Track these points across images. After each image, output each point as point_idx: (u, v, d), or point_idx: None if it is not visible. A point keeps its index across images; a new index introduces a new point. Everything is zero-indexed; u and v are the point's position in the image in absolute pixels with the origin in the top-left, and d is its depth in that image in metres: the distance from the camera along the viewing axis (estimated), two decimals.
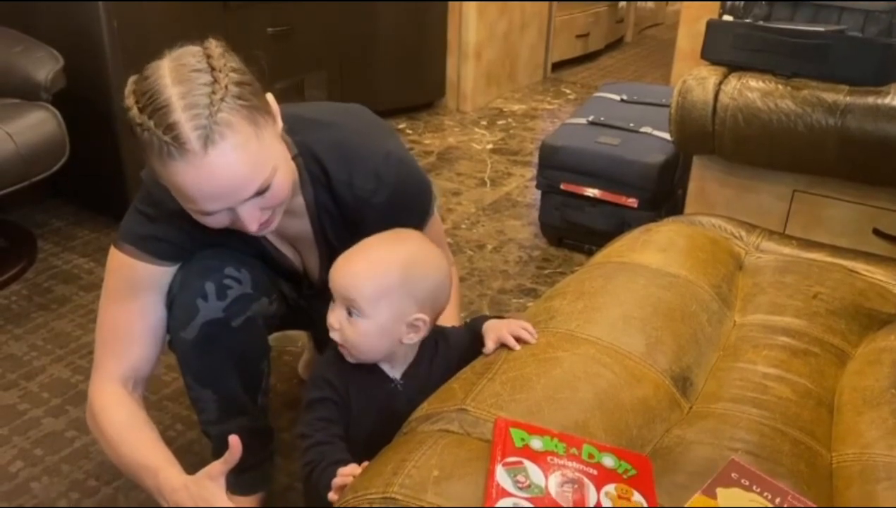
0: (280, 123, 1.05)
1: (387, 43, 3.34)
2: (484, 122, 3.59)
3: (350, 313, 1.00)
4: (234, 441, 1.01)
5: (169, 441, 1.59)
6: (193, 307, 1.15)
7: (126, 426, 1.16)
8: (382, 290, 0.99)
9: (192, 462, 1.55)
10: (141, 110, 0.93)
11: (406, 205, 1.17)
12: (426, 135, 3.41)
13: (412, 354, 1.08)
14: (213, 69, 0.94)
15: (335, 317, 1.01)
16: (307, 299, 1.36)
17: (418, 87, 3.61)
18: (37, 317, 2.01)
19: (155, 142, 0.93)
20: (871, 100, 1.69)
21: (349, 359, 1.04)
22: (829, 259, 1.38)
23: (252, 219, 1.02)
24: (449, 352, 1.10)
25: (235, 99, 0.94)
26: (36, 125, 2.02)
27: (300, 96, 2.95)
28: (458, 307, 1.37)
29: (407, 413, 0.97)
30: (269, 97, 1.04)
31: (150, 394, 1.69)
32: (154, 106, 0.92)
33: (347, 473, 0.91)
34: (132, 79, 0.98)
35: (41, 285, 2.15)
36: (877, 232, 1.83)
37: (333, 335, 1.02)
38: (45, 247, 2.35)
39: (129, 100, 0.95)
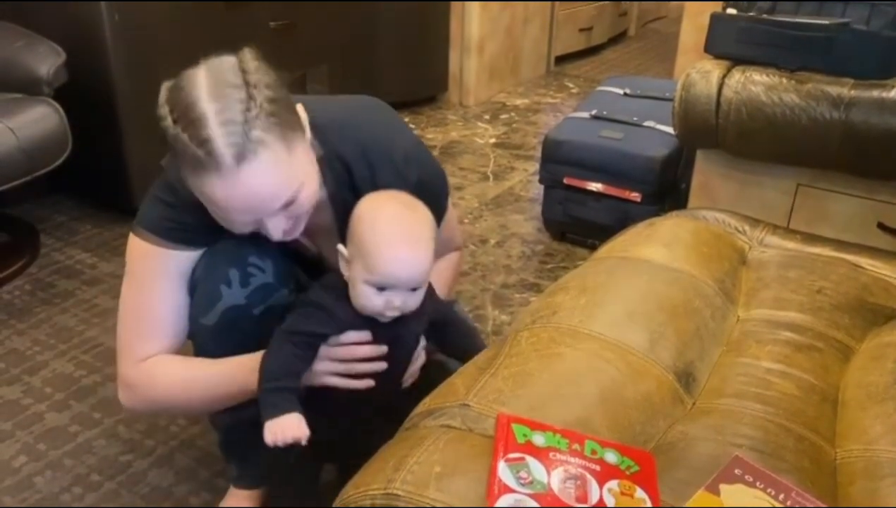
0: (308, 134, 1.07)
1: (389, 37, 3.33)
2: (487, 117, 3.58)
3: (413, 289, 1.08)
4: None
5: (172, 436, 1.60)
6: (217, 292, 1.15)
7: (198, 364, 1.19)
8: (430, 262, 1.09)
9: (195, 455, 1.55)
10: (175, 122, 0.96)
11: (427, 199, 1.20)
12: (429, 130, 3.40)
13: None
14: (248, 84, 0.96)
15: (401, 300, 1.07)
16: None
17: (421, 82, 3.60)
18: (39, 312, 2.01)
19: (188, 154, 0.95)
20: (875, 93, 1.68)
21: (387, 319, 1.10)
22: (833, 253, 1.37)
23: (277, 229, 1.07)
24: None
25: (269, 116, 0.96)
26: (38, 120, 2.02)
27: (302, 90, 2.95)
28: (449, 287, 1.40)
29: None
30: (300, 108, 1.06)
31: None
32: (189, 119, 0.95)
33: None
34: (166, 86, 1.00)
35: (44, 280, 2.16)
36: (881, 226, 1.82)
37: (394, 313, 1.08)
38: (48, 242, 2.35)
39: (164, 110, 0.97)
